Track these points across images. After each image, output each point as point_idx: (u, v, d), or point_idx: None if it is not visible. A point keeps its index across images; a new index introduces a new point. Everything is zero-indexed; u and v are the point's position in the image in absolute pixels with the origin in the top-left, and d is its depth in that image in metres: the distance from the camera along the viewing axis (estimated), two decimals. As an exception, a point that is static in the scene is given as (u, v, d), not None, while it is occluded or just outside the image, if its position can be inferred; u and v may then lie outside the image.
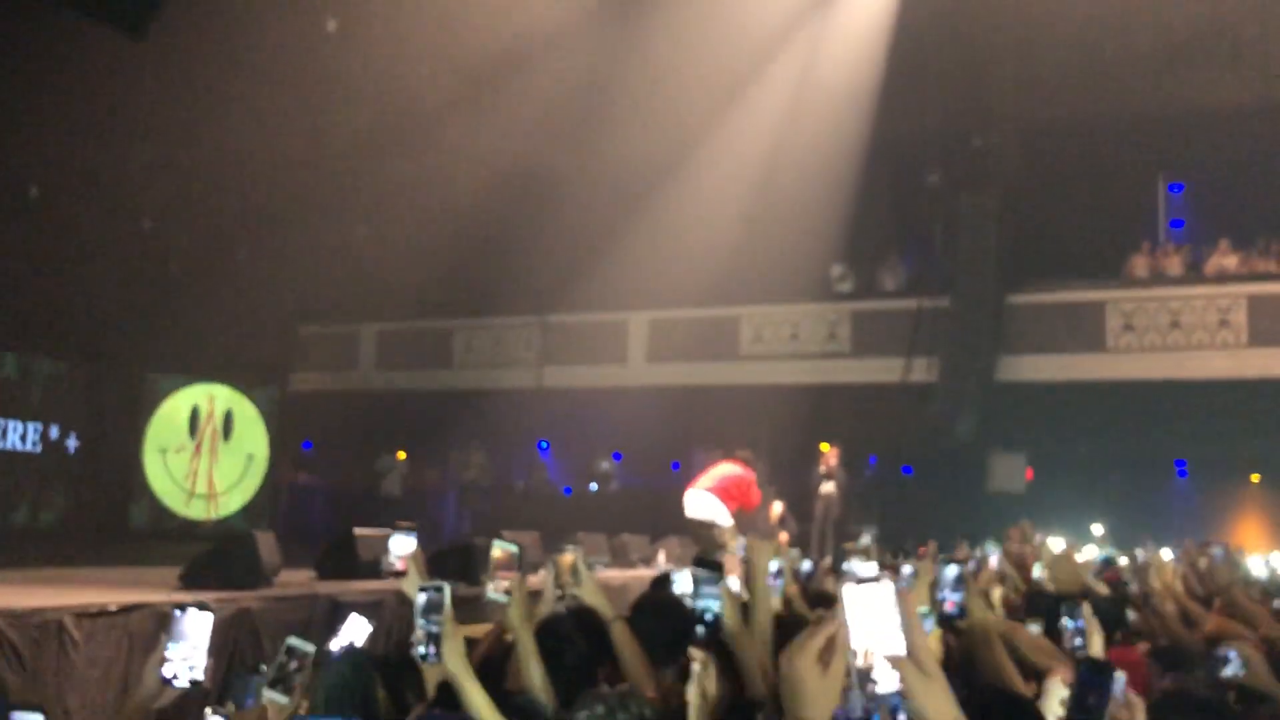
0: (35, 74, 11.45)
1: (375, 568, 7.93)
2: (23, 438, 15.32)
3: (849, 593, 1.63)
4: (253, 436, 18.12)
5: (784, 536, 12.77)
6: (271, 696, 3.04)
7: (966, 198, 16.37)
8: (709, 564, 3.23)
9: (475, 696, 2.70)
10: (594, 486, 19.50)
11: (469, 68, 14.54)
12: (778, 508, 13.82)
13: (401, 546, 4.31)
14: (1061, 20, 14.85)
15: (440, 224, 16.26)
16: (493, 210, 16.24)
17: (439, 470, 19.48)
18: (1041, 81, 15.83)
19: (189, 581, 7.50)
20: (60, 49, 11.05)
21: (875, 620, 1.60)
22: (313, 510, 18.20)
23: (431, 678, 3.06)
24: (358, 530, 8.83)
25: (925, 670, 1.59)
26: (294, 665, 3.04)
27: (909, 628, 1.60)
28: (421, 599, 2.74)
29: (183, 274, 16.09)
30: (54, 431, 15.66)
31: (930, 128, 16.51)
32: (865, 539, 9.80)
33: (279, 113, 13.61)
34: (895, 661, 1.60)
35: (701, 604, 3.17)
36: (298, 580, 8.26)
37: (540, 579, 4.54)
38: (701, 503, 10.91)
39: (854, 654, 1.61)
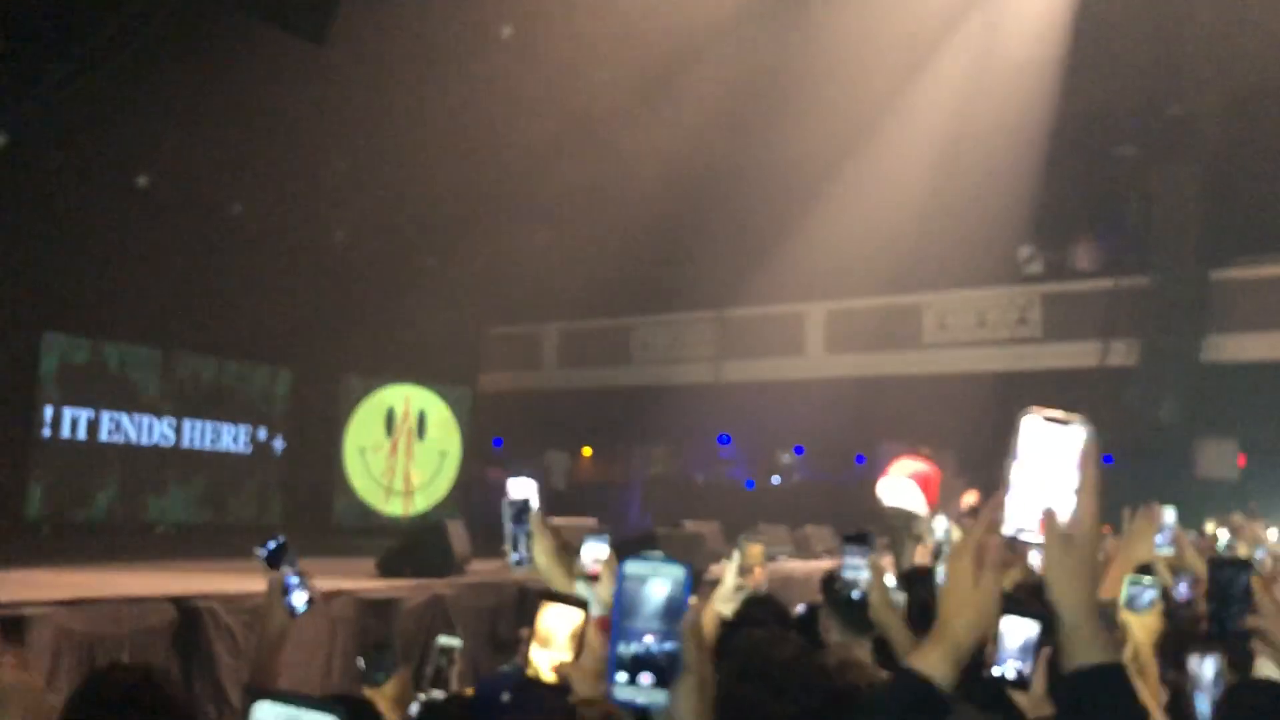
0: (229, 90, 12.13)
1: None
2: (234, 439, 16.29)
3: (1031, 427, 1.44)
4: (445, 435, 18.80)
5: (975, 527, 12.37)
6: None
7: (1164, 169, 15.51)
8: (857, 537, 3.24)
9: (561, 586, 2.64)
10: (776, 479, 19.36)
11: (642, 67, 14.64)
12: (970, 498, 13.40)
13: (596, 552, 4.29)
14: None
15: (618, 223, 16.45)
16: (669, 207, 16.31)
17: (621, 465, 19.73)
18: (1244, 42, 14.80)
19: (385, 570, 7.82)
20: (248, 62, 11.65)
21: (1052, 468, 1.42)
22: (503, 505, 18.69)
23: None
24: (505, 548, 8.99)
25: (1073, 542, 1.43)
26: (446, 662, 3.12)
27: (1083, 489, 1.42)
28: (507, 510, 2.79)
29: (376, 282, 16.78)
30: (262, 433, 16.59)
31: (1121, 98, 15.68)
32: None
33: (460, 121, 14.02)
34: (1048, 520, 1.43)
35: (849, 575, 3.20)
36: (488, 569, 8.50)
37: (721, 568, 4.51)
38: (898, 490, 10.64)
39: (1011, 502, 1.44)
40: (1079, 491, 1.42)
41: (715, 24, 14.34)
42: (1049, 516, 1.43)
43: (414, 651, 6.11)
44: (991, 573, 1.50)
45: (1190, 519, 10.89)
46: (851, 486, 15.66)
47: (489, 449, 20.25)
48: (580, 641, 2.35)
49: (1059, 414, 1.43)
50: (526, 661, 2.45)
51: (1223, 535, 6.26)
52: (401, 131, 14.02)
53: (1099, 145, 16.35)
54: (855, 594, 3.16)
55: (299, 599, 3.04)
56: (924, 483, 10.55)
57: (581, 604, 2.36)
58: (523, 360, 20.13)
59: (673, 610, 1.41)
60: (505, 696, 3.03)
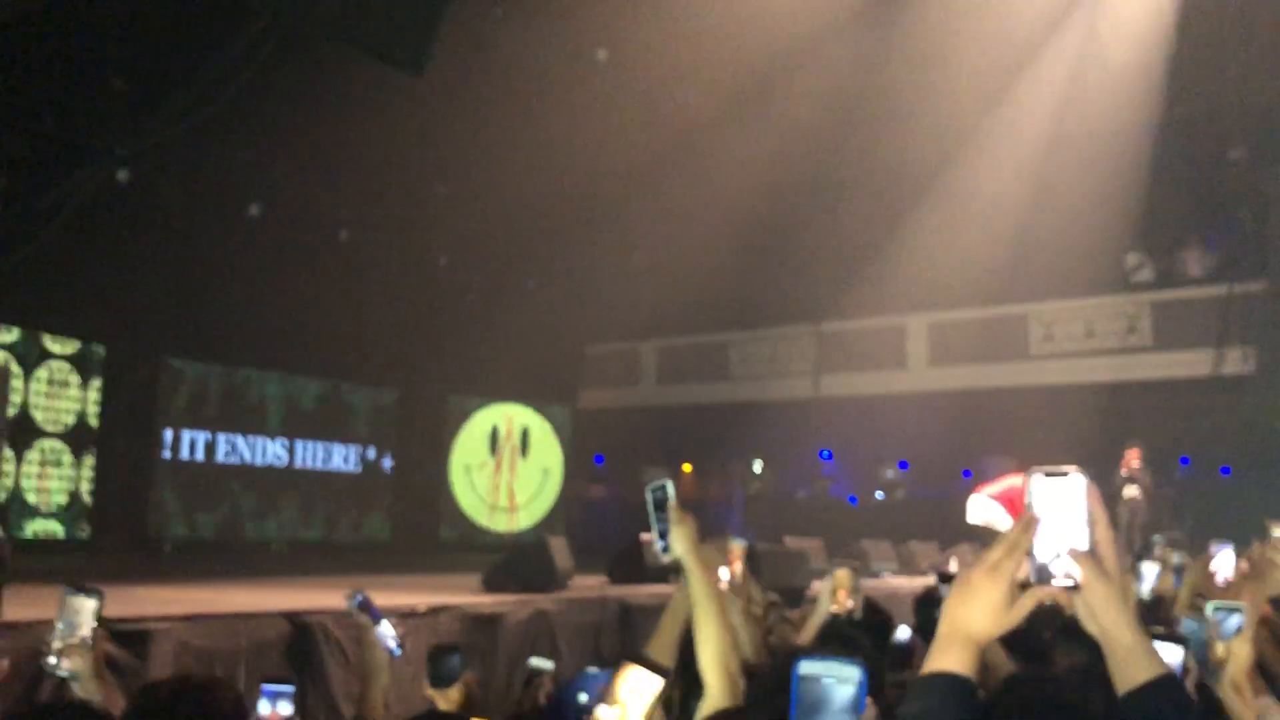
0: (334, 120, 12.49)
1: (663, 572, 8.09)
2: (345, 459, 16.69)
3: (1036, 485, 1.55)
4: (548, 452, 18.99)
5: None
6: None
7: (1276, 171, 14.94)
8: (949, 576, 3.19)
9: (699, 582, 2.70)
10: (880, 495, 19.09)
11: (735, 82, 14.64)
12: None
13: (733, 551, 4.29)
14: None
15: (714, 239, 16.44)
16: (765, 221, 16.26)
17: (721, 481, 19.66)
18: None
19: (490, 585, 7.91)
20: (351, 92, 11.97)
21: (1063, 516, 1.53)
22: (605, 520, 18.79)
23: None
24: (644, 536, 9.03)
25: (1104, 569, 1.50)
26: (538, 684, 3.17)
27: (1095, 523, 1.52)
28: (651, 498, 2.84)
29: (477, 303, 17.08)
30: (371, 453, 16.98)
31: (1230, 99, 15.16)
32: (1159, 543, 9.07)
33: (556, 144, 14.19)
34: (1076, 556, 1.50)
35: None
36: (590, 585, 8.54)
37: (818, 588, 4.49)
38: (983, 508, 10.46)
39: (1035, 549, 1.53)
40: (1092, 524, 1.52)
41: (808, 35, 14.27)
42: (1077, 554, 1.51)
43: (517, 667, 6.17)
44: (1003, 569, 1.53)
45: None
46: (957, 502, 15.34)
47: (590, 466, 20.38)
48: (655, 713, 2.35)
49: (1058, 468, 1.56)
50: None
51: None
52: (500, 156, 14.25)
53: (1209, 148, 15.84)
54: None
55: (393, 643, 3.21)
56: (1010, 500, 10.33)
57: (664, 672, 2.37)
58: (622, 377, 20.23)
59: (849, 712, 1.42)
60: (583, 697, 3.04)
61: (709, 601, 2.67)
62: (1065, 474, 1.54)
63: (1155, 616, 4.62)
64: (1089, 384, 15.50)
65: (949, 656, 1.49)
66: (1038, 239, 15.38)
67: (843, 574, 4.49)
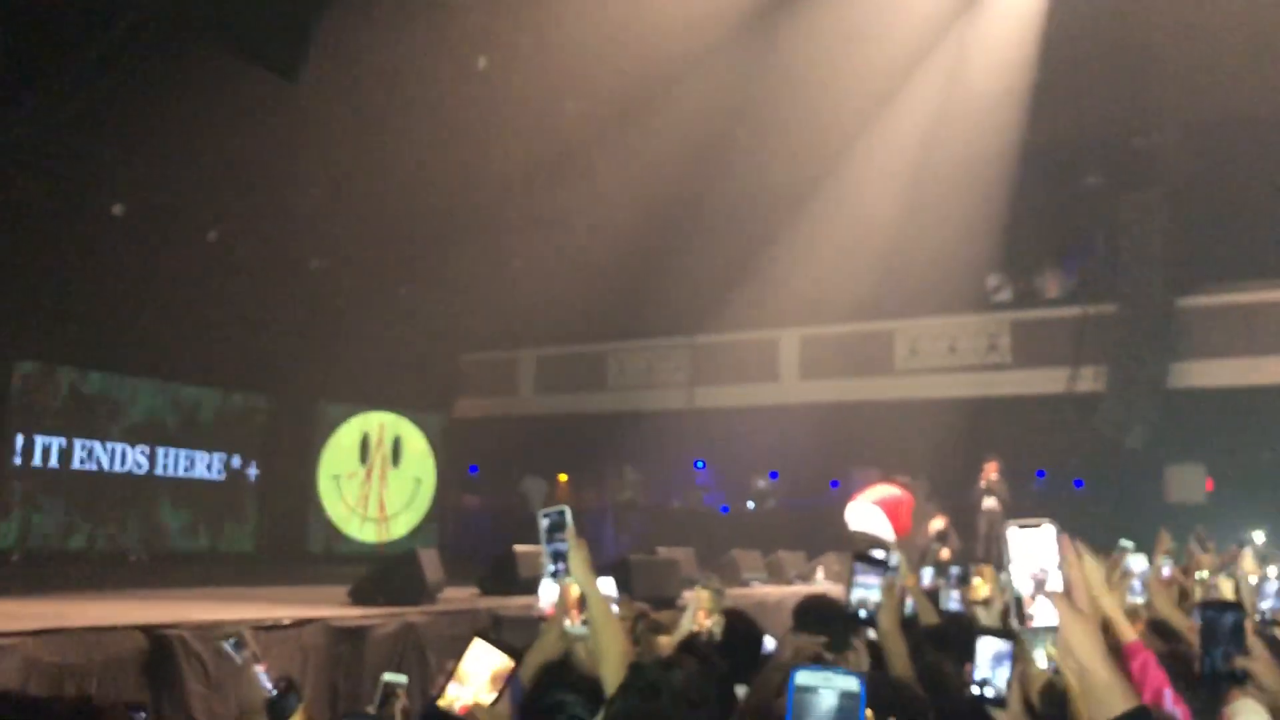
0: (205, 119, 12.15)
1: (536, 583, 8.09)
2: (208, 467, 16.21)
3: (1013, 536, 1.73)
4: (420, 462, 18.78)
5: (945, 552, 12.45)
6: None
7: (1130, 198, 15.72)
8: (871, 559, 3.26)
9: (599, 606, 2.80)
10: (751, 505, 19.40)
11: (615, 94, 14.76)
12: (938, 523, 13.50)
13: (550, 594, 4.25)
14: (1225, 8, 14.12)
15: (592, 249, 16.53)
16: (643, 233, 16.40)
17: (596, 491, 19.73)
18: (1208, 75, 15.04)
19: (357, 598, 7.79)
20: (224, 92, 11.67)
21: (1036, 561, 1.71)
22: (478, 531, 18.67)
23: None
24: (518, 547, 9.02)
25: (1078, 608, 1.67)
26: (393, 699, 3.18)
27: (1068, 566, 1.70)
28: (545, 522, 2.89)
29: (350, 308, 16.78)
30: (236, 461, 16.52)
31: (1088, 128, 15.94)
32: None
33: (434, 150, 14.08)
34: (1053, 597, 1.68)
35: (858, 594, 3.21)
36: (461, 596, 8.49)
37: (687, 599, 4.59)
38: (865, 516, 10.75)
39: (1012, 590, 1.72)
40: (1064, 567, 1.70)
41: (689, 51, 14.48)
42: (1053, 595, 1.68)
43: (372, 681, 6.09)
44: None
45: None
46: (825, 512, 15.69)
47: (465, 476, 20.22)
48: (502, 685, 2.41)
49: (1030, 521, 1.76)
50: (441, 694, 2.51)
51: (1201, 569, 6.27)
52: (377, 160, 14.08)
53: (1066, 175, 16.58)
54: (863, 613, 3.20)
55: (268, 682, 3.17)
56: (892, 509, 10.64)
57: (515, 654, 2.42)
58: (499, 386, 20.13)
59: None
60: None
61: (607, 622, 2.75)
62: (1038, 525, 1.73)
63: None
64: (951, 399, 16.01)
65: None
66: (905, 258, 15.88)
67: (703, 595, 4.68)
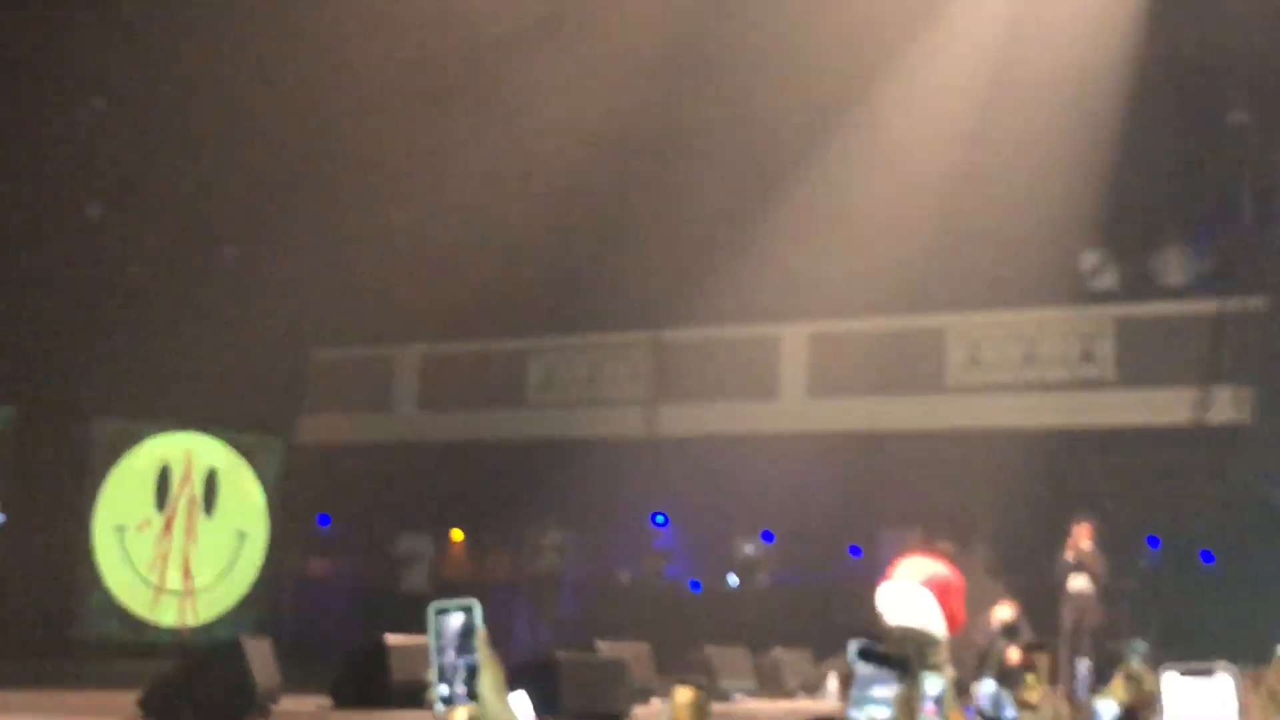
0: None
1: (416, 692, 8.12)
2: (-71, 511, 16.06)
3: (1171, 687, 1.78)
4: (245, 508, 18.67)
5: (1014, 653, 12.60)
6: None
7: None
8: (883, 656, 3.19)
9: None
10: (735, 580, 19.52)
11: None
12: (1004, 612, 13.65)
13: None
14: None
15: (507, 201, 16.53)
16: (586, 183, 16.45)
17: (508, 555, 19.74)
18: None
19: (152, 711, 7.78)
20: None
21: (1205, 716, 1.74)
22: (331, 613, 18.61)
23: None
24: (390, 639, 9.04)
25: None
26: None
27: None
28: (440, 621, 2.84)
29: (144, 281, 16.65)
30: (-30, 501, 16.37)
31: (1232, 42, 16.18)
32: (1134, 658, 9.62)
33: (277, 61, 14.07)
34: None
35: (861, 713, 3.11)
36: (306, 710, 8.50)
37: (652, 710, 4.64)
38: (909, 601, 10.74)
39: None
40: None
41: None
42: None
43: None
44: None
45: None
46: (842, 592, 15.83)
47: (312, 529, 20.16)
48: None
49: (1200, 665, 1.79)
50: None
51: None
52: (180, 73, 14.02)
53: (1199, 110, 16.78)
54: None
55: None
56: (942, 593, 10.70)
57: None
58: (366, 398, 20.10)
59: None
60: None
61: None
62: (1209, 673, 1.77)
63: None
64: (1026, 430, 16.19)
65: None
66: (963, 226, 16.01)
67: (684, 695, 4.56)
